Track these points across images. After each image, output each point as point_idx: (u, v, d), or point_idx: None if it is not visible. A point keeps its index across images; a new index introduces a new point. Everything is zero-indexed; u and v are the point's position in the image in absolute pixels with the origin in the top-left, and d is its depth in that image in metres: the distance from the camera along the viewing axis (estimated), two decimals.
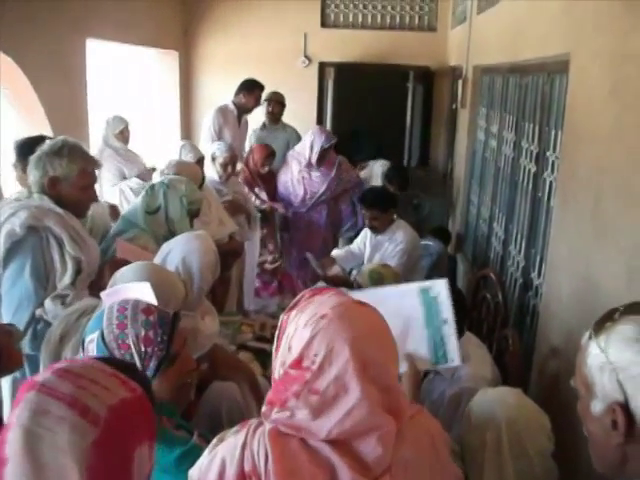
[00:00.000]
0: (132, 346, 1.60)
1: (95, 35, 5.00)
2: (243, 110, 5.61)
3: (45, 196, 2.53)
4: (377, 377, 1.30)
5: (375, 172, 5.73)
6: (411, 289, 2.50)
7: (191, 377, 1.77)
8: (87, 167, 2.61)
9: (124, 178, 5.00)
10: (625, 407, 1.04)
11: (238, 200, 4.41)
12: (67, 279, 2.48)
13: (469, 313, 3.64)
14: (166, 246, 2.56)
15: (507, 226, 3.95)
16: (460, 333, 2.67)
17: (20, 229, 2.41)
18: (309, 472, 1.26)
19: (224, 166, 4.26)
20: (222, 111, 5.49)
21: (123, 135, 5.12)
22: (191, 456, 1.52)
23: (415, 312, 2.43)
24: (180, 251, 2.51)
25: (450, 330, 2.40)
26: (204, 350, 1.97)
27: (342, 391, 1.27)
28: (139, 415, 1.02)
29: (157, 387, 1.63)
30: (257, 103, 5.62)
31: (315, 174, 5.08)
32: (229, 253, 3.75)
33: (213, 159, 4.28)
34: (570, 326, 2.50)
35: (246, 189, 4.87)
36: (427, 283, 2.47)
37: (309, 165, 5.06)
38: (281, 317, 1.40)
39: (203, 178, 3.45)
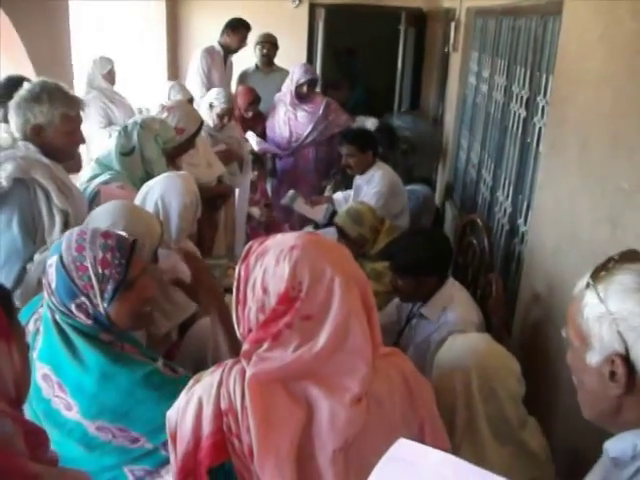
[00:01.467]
0: (90, 268, 1.63)
1: None
2: (229, 50, 5.50)
3: (30, 144, 2.44)
4: (358, 293, 1.32)
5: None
6: None
7: (150, 305, 1.80)
8: (70, 111, 2.50)
9: (110, 120, 4.90)
10: (625, 358, 1.03)
11: (232, 146, 4.34)
12: (56, 233, 2.41)
13: (455, 258, 3.67)
14: (146, 186, 2.53)
15: (495, 172, 3.93)
16: (444, 278, 2.70)
17: (6, 182, 2.32)
18: (286, 407, 1.26)
19: (221, 117, 4.18)
20: (209, 52, 5.37)
21: (110, 76, 5.00)
22: (156, 377, 1.58)
23: None
24: (159, 190, 2.48)
25: None
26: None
27: (331, 307, 1.28)
28: None
29: (115, 313, 1.66)
30: (242, 43, 5.50)
31: (301, 114, 4.99)
32: (217, 196, 3.74)
33: (211, 107, 4.18)
34: (553, 273, 2.51)
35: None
36: None
37: (293, 103, 4.97)
38: (237, 270, 1.38)
39: (201, 122, 3.39)
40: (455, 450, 1.80)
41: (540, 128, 3.02)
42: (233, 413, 1.29)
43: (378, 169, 4.15)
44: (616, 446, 1.08)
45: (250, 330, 1.34)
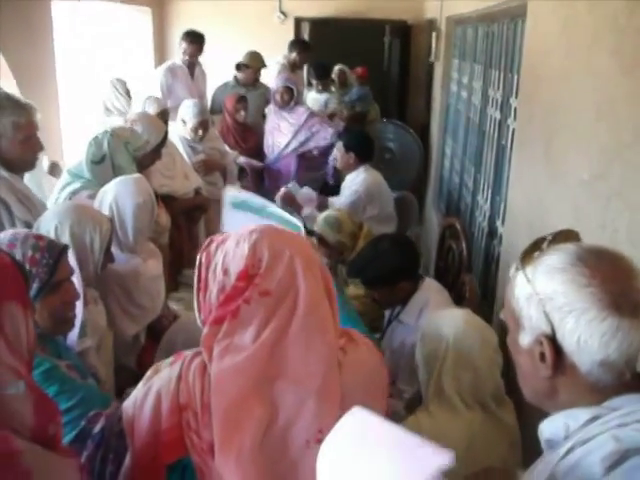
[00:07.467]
0: None
1: None
2: (190, 63, 5.50)
3: None
4: (319, 275, 1.32)
5: None
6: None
7: (72, 311, 1.82)
8: (20, 119, 2.42)
9: None
10: (552, 339, 1.01)
11: (212, 157, 4.34)
12: None
13: (436, 262, 3.68)
14: (101, 191, 2.53)
15: (476, 176, 3.95)
16: (417, 281, 2.69)
17: None
18: (248, 405, 1.23)
19: (194, 130, 4.11)
20: (170, 70, 5.36)
21: (128, 96, 4.83)
22: (57, 372, 1.62)
23: None
24: (112, 193, 2.49)
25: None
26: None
27: (291, 286, 1.27)
28: (4, 275, 1.07)
29: (37, 313, 1.68)
30: (197, 53, 5.49)
31: (283, 124, 4.97)
32: (195, 208, 3.74)
33: (184, 122, 4.14)
34: None
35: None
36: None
37: (278, 112, 4.98)
38: (197, 258, 1.35)
39: (166, 132, 3.38)
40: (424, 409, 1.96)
41: (513, 129, 3.04)
42: (192, 409, 1.26)
43: (364, 172, 4.09)
44: (549, 428, 1.06)
45: (211, 312, 1.31)
